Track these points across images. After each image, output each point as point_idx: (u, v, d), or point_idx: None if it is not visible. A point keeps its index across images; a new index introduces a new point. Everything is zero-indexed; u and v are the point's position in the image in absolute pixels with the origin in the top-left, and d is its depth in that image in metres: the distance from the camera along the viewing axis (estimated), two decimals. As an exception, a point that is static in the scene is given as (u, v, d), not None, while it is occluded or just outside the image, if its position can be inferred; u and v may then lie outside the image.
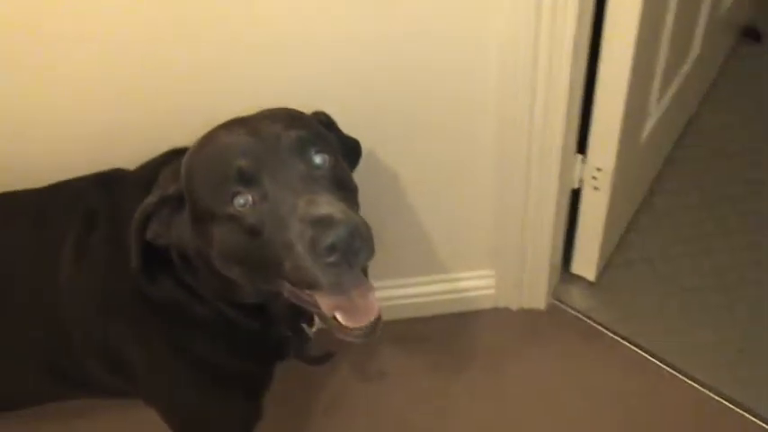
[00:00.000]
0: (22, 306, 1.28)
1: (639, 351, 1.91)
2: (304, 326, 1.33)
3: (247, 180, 1.04)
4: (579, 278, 2.07)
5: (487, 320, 1.95)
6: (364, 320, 1.07)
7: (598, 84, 1.65)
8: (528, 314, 1.96)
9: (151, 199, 1.14)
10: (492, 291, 1.92)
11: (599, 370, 1.87)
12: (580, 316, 2.01)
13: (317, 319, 1.35)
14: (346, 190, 1.11)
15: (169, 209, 1.14)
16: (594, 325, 1.99)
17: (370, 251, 1.01)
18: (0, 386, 1.38)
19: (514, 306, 1.98)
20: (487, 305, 1.97)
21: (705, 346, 1.91)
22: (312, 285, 1.01)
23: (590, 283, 2.06)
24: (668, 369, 1.87)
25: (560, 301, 2.02)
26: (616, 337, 1.96)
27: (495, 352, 1.92)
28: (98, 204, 1.28)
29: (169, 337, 1.25)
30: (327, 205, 0.99)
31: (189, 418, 1.36)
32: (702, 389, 1.82)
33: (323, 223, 0.96)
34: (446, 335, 1.87)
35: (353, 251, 0.97)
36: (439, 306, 1.92)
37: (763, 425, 1.75)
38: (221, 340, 1.26)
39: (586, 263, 2.03)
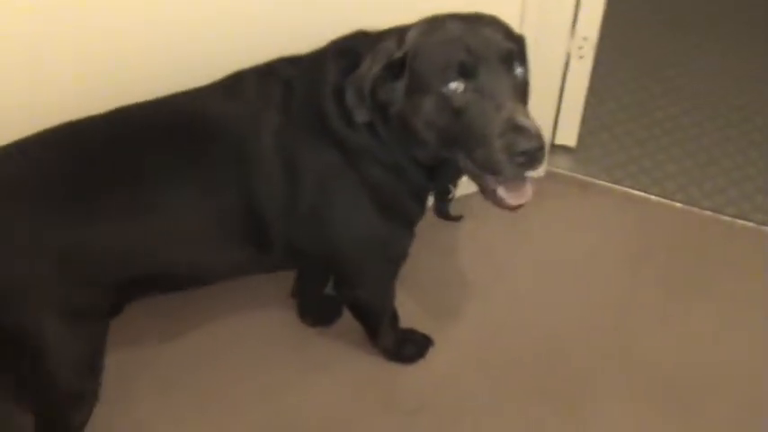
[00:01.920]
0: (223, 170, 1.46)
1: (626, 189, 2.45)
2: (451, 187, 1.63)
3: (465, 72, 1.32)
4: (562, 146, 2.52)
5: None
6: (520, 200, 1.39)
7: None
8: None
9: (376, 64, 1.38)
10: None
11: (597, 211, 2.38)
12: (571, 174, 2.48)
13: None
14: (527, 99, 1.43)
15: (389, 73, 1.38)
16: (584, 178, 2.47)
17: (540, 164, 1.33)
18: (201, 257, 1.52)
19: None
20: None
21: (674, 174, 2.50)
22: (494, 171, 1.32)
23: (571, 149, 2.53)
24: (653, 197, 2.41)
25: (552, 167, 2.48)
26: (605, 183, 2.46)
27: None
28: (291, 75, 1.50)
29: (358, 169, 1.49)
30: (527, 118, 1.30)
31: (366, 239, 1.58)
32: (684, 206, 2.39)
33: (523, 132, 1.27)
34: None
35: (536, 159, 1.29)
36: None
37: (733, 219, 2.35)
38: (397, 180, 1.52)
39: (569, 132, 2.49)
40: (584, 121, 2.52)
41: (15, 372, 1.45)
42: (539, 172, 2.33)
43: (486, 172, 1.34)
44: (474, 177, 1.39)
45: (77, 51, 1.62)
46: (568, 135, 2.51)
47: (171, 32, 1.68)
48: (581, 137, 2.55)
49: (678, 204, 2.40)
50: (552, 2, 2.07)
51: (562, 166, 2.51)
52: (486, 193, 1.39)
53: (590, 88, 2.40)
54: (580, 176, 2.49)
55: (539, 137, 1.26)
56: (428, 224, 1.68)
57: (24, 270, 1.34)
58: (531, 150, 1.25)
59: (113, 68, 1.67)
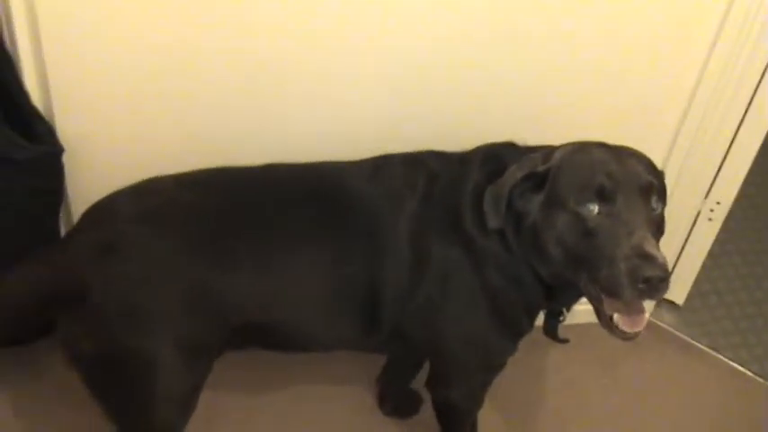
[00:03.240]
0: (355, 245, 1.54)
1: (723, 358, 2.44)
2: (564, 311, 1.68)
3: (603, 195, 1.38)
4: (669, 302, 2.55)
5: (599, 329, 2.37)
6: (635, 328, 1.42)
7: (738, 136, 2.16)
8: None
9: (520, 172, 1.46)
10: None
11: (691, 374, 2.39)
12: (672, 330, 2.50)
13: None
14: (660, 234, 1.47)
15: (529, 184, 1.46)
16: (684, 337, 2.49)
17: (665, 293, 1.37)
18: (312, 323, 1.59)
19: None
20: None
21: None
22: (615, 293, 1.35)
23: (678, 306, 2.55)
24: (749, 373, 2.40)
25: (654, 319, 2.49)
26: (704, 348, 2.47)
27: (610, 353, 2.39)
28: (437, 168, 1.59)
29: (480, 273, 1.55)
30: (656, 249, 1.34)
31: (473, 342, 1.63)
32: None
33: (649, 260, 1.31)
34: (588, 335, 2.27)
35: (659, 290, 1.33)
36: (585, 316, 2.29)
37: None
38: (515, 291, 1.57)
39: (680, 288, 2.51)
40: (697, 282, 2.53)
41: (119, 392, 1.52)
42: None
43: (606, 294, 1.38)
44: (592, 300, 1.44)
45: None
46: (679, 292, 2.53)
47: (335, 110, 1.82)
48: (690, 297, 2.56)
49: (772, 385, 2.37)
50: (695, 161, 2.13)
51: (666, 321, 2.52)
52: (602, 318, 1.43)
53: (710, 251, 2.43)
54: (681, 335, 2.50)
55: (664, 268, 1.30)
56: (522, 343, 1.71)
57: (158, 297, 1.44)
58: (654, 278, 1.29)
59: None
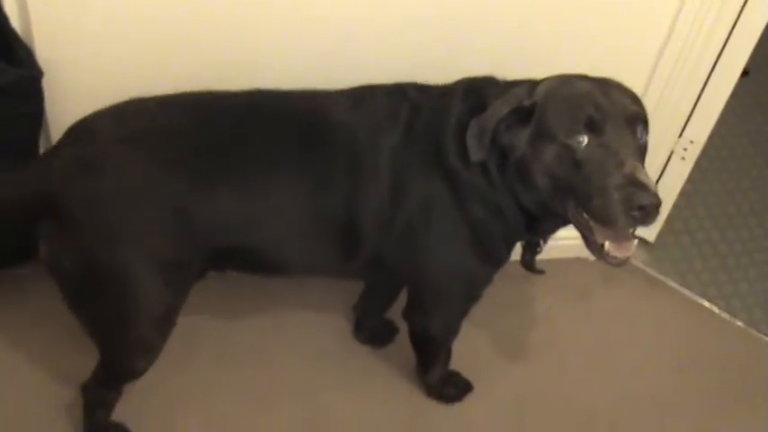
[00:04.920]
0: (337, 172, 1.60)
1: (692, 295, 2.57)
2: (542, 241, 1.76)
3: (592, 127, 1.45)
4: (641, 239, 2.63)
5: (578, 264, 2.50)
6: (625, 253, 1.50)
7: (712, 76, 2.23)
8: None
9: (506, 106, 1.51)
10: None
11: (660, 309, 2.51)
12: (643, 267, 2.61)
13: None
14: (643, 163, 1.53)
15: (515, 118, 1.52)
16: (654, 274, 2.60)
17: (656, 220, 1.44)
18: (293, 246, 1.66)
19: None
20: (577, 254, 2.47)
21: (743, 294, 2.61)
22: (608, 221, 1.42)
23: (650, 244, 2.65)
24: (716, 310, 2.53)
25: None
26: (674, 285, 2.59)
27: (582, 288, 2.50)
28: (419, 100, 1.64)
29: (462, 204, 1.62)
30: (647, 177, 1.42)
31: (453, 272, 1.72)
32: (744, 326, 2.50)
33: (643, 188, 1.38)
34: (560, 269, 2.38)
35: (652, 217, 1.40)
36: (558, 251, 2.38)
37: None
38: (496, 222, 1.64)
39: (652, 226, 2.57)
40: (669, 219, 2.63)
41: (98, 309, 1.59)
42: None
43: (598, 222, 1.45)
44: (581, 228, 1.51)
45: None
46: (650, 230, 2.62)
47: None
48: (662, 234, 2.66)
49: (739, 323, 2.50)
50: (670, 99, 2.20)
51: (637, 258, 2.63)
52: (591, 244, 1.51)
53: (683, 190, 2.53)
54: (652, 272, 2.60)
55: (657, 195, 1.38)
56: (497, 275, 1.80)
57: (136, 214, 1.49)
58: (649, 206, 1.37)
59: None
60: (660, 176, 2.47)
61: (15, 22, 1.72)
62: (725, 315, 2.52)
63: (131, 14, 1.75)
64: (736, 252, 2.77)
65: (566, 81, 1.54)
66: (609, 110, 1.45)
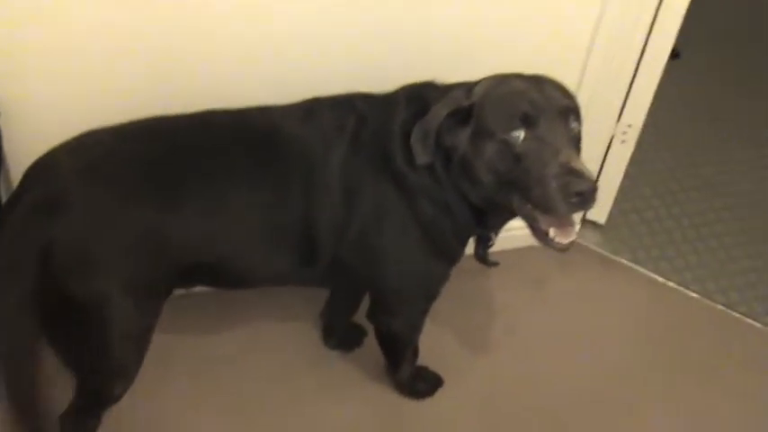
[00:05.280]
0: (290, 184, 1.67)
1: (645, 271, 2.69)
2: (492, 234, 1.84)
3: (527, 122, 1.53)
4: (592, 222, 2.77)
5: (533, 252, 2.55)
6: (568, 238, 1.59)
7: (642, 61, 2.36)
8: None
9: (445, 109, 1.60)
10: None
11: (616, 288, 2.62)
12: (596, 249, 2.73)
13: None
14: (579, 151, 1.62)
15: (455, 119, 1.60)
16: (607, 254, 2.72)
17: (594, 204, 1.53)
18: (253, 258, 1.73)
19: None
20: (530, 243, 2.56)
21: (694, 266, 2.74)
22: (549, 210, 1.52)
23: (601, 225, 2.77)
24: (670, 284, 2.65)
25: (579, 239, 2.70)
26: (627, 263, 2.71)
27: (537, 275, 2.61)
28: (364, 109, 1.73)
29: (412, 206, 1.70)
30: (581, 164, 1.51)
31: (410, 271, 1.80)
32: (698, 296, 2.63)
33: (578, 175, 1.47)
34: (515, 259, 2.48)
35: (588, 201, 1.49)
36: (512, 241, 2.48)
37: (742, 317, 2.57)
38: (446, 220, 1.73)
39: (601, 209, 2.72)
40: (617, 201, 2.75)
41: (74, 338, 1.63)
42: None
43: (540, 211, 1.54)
44: (526, 218, 1.60)
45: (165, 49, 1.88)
46: (600, 212, 2.75)
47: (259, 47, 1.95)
48: (611, 215, 2.78)
49: (693, 294, 2.62)
50: (604, 86, 2.32)
51: (589, 240, 2.75)
52: (537, 232, 1.60)
53: (627, 171, 2.64)
54: (605, 253, 2.72)
55: (592, 180, 1.47)
56: (455, 272, 1.88)
57: (106, 243, 1.54)
58: (584, 191, 1.46)
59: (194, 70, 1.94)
60: (603, 161, 2.58)
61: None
62: (678, 288, 2.64)
63: (81, 50, 1.81)
64: (683, 226, 2.90)
65: (501, 81, 1.63)
66: (542, 104, 1.54)
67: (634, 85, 2.41)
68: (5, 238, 1.54)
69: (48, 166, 1.60)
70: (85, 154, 1.60)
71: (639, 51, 2.32)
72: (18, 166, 1.68)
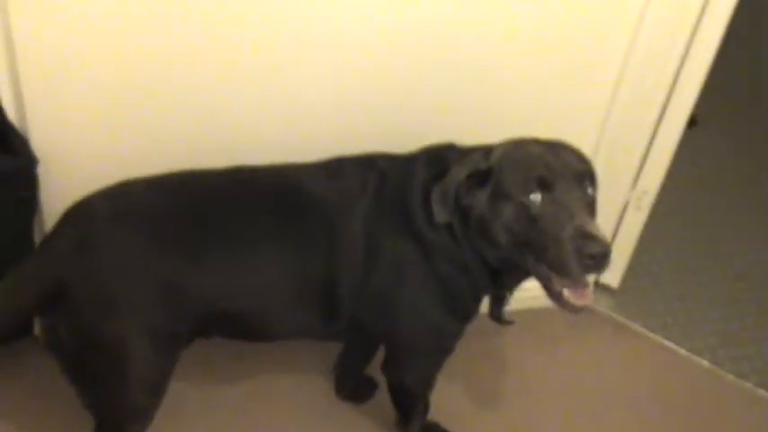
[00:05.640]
0: (313, 241, 1.73)
1: (656, 337, 2.72)
2: (508, 293, 1.89)
3: (544, 185, 1.60)
4: (605, 286, 2.81)
5: (546, 314, 2.60)
6: (583, 300, 1.63)
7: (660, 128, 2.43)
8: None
9: (464, 171, 1.66)
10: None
11: (627, 353, 2.65)
12: (608, 313, 2.76)
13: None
14: (594, 215, 1.68)
15: (474, 181, 1.66)
16: (619, 319, 2.76)
17: (608, 267, 1.57)
18: (274, 313, 1.78)
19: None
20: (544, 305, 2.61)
21: (706, 334, 2.76)
22: (563, 271, 1.56)
23: (613, 290, 2.82)
24: (681, 351, 2.67)
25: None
26: (639, 328, 2.74)
27: (550, 337, 2.65)
28: (386, 169, 1.80)
29: (430, 263, 1.76)
30: (597, 228, 1.57)
31: (425, 327, 1.84)
32: (709, 365, 2.65)
33: (593, 238, 1.52)
34: (529, 320, 2.51)
35: (602, 264, 1.54)
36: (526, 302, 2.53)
37: (754, 388, 2.58)
38: (463, 278, 1.78)
39: (613, 273, 2.77)
40: (631, 266, 2.80)
41: (95, 378, 1.70)
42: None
43: (555, 272, 1.59)
44: (541, 279, 1.64)
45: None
46: (613, 276, 2.80)
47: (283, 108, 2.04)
48: (625, 280, 2.83)
49: (704, 363, 2.64)
50: (621, 153, 2.39)
51: (602, 304, 2.79)
52: (552, 294, 1.64)
53: (641, 235, 2.69)
54: (617, 317, 2.76)
55: (606, 244, 1.52)
56: (468, 329, 1.91)
57: (128, 287, 1.61)
58: (598, 254, 1.51)
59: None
60: (618, 226, 2.64)
61: (12, 113, 1.87)
62: (690, 355, 2.66)
63: (120, 104, 1.92)
64: (696, 294, 2.94)
65: (518, 144, 1.70)
66: (558, 169, 1.60)
67: (651, 152, 2.48)
68: (35, 264, 1.63)
69: (83, 209, 1.68)
70: (118, 201, 1.68)
71: (657, 118, 2.39)
72: (54, 212, 1.76)
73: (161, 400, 1.76)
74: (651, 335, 2.73)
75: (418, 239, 1.74)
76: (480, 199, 1.66)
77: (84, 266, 1.59)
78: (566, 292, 1.61)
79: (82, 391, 1.73)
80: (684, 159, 2.70)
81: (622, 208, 2.59)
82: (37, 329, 2.12)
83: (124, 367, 1.66)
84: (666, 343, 2.70)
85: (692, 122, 2.70)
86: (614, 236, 2.64)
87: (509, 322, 1.91)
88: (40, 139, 1.91)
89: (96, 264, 1.60)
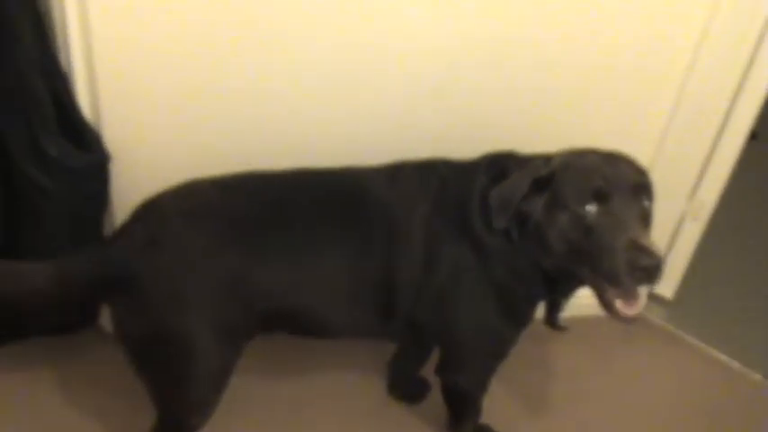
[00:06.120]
0: (375, 243, 1.77)
1: (710, 349, 2.71)
2: (563, 300, 1.92)
3: (600, 197, 1.62)
4: (659, 296, 2.82)
5: (600, 322, 2.62)
6: (633, 311, 1.66)
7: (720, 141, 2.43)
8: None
9: (527, 178, 1.69)
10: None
11: (679, 365, 2.65)
12: (662, 323, 2.77)
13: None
14: (649, 228, 1.70)
15: (533, 187, 1.69)
16: (673, 330, 2.76)
17: (659, 279, 1.60)
18: (334, 310, 1.83)
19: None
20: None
21: (760, 348, 2.74)
22: (615, 282, 1.59)
23: (668, 300, 2.82)
24: (734, 365, 2.66)
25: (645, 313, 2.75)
26: (692, 340, 2.73)
27: (604, 345, 2.66)
28: (447, 174, 1.84)
29: (487, 267, 1.79)
30: (649, 241, 1.59)
31: (481, 331, 1.87)
32: (763, 378, 2.63)
33: (645, 251, 1.55)
34: (584, 327, 2.52)
35: (654, 276, 1.57)
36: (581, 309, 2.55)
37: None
38: (519, 283, 1.81)
39: (668, 284, 2.77)
40: (686, 277, 2.80)
41: (161, 369, 1.76)
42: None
43: (607, 282, 1.62)
44: (594, 288, 1.67)
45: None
46: (668, 287, 2.80)
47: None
48: (680, 291, 2.83)
49: (757, 377, 2.63)
50: (679, 163, 2.40)
51: (655, 314, 2.79)
52: (604, 303, 1.67)
53: (698, 247, 2.69)
54: (671, 328, 2.77)
55: (658, 257, 1.54)
56: (523, 334, 1.93)
57: (197, 284, 1.67)
58: (650, 267, 1.53)
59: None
60: (674, 236, 2.64)
61: (87, 111, 1.95)
62: (743, 369, 2.65)
63: (191, 107, 1.99)
64: (751, 307, 2.93)
65: (577, 155, 1.72)
66: (615, 181, 1.63)
67: (710, 164, 2.49)
68: (107, 251, 1.69)
69: (154, 205, 1.75)
70: (187, 200, 1.75)
71: (717, 131, 2.39)
72: (123, 207, 1.83)
73: (222, 394, 1.82)
74: (704, 347, 2.72)
75: (476, 244, 1.77)
76: (537, 206, 1.69)
77: (153, 261, 1.65)
78: (617, 302, 1.64)
79: (147, 381, 1.79)
80: (744, 172, 2.68)
81: (680, 218, 2.60)
82: (102, 320, 2.20)
83: (189, 361, 1.71)
84: (720, 356, 2.69)
85: (753, 136, 2.69)
86: (670, 246, 2.64)
87: (563, 328, 1.93)
88: (113, 137, 1.99)
89: (165, 259, 1.66)
